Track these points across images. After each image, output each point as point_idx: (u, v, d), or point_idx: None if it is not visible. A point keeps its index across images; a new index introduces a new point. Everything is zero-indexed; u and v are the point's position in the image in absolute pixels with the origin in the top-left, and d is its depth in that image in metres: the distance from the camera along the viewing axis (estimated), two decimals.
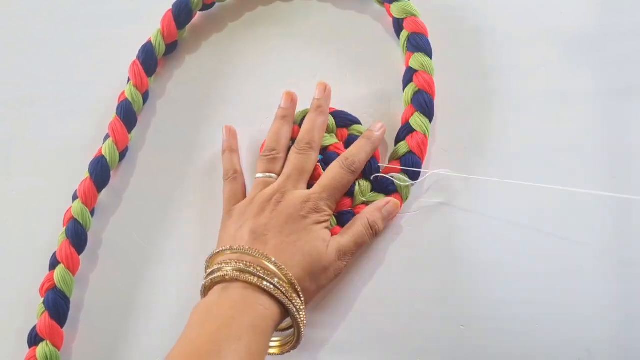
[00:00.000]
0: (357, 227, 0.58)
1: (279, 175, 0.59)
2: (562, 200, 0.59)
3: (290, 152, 0.60)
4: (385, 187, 0.60)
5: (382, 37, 0.67)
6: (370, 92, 0.65)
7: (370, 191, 0.61)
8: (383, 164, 0.62)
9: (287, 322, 0.55)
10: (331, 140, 0.62)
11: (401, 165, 0.60)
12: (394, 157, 0.61)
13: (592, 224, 0.59)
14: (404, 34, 0.63)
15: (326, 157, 0.61)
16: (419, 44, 0.62)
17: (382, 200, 0.59)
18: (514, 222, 0.59)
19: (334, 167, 0.59)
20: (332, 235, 0.57)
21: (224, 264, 0.52)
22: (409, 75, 0.62)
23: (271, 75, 0.67)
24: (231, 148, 0.63)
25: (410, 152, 0.60)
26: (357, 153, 0.59)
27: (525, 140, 0.62)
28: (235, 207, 0.59)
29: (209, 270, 0.54)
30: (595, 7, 0.66)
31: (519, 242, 0.59)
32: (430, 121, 0.61)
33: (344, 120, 0.62)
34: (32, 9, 0.74)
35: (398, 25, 0.64)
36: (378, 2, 0.66)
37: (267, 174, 0.59)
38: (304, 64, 0.67)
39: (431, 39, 0.63)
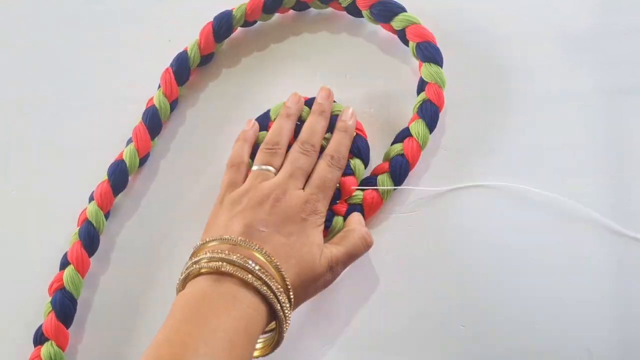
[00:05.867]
0: (352, 238, 0.56)
1: (277, 170, 0.58)
2: (560, 202, 0.60)
3: (292, 151, 0.59)
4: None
5: (383, 39, 0.67)
6: (372, 92, 0.66)
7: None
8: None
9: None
10: None
11: (390, 167, 0.61)
12: (386, 158, 0.62)
13: (591, 225, 0.59)
14: (412, 44, 0.63)
15: None
16: (426, 54, 0.62)
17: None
18: (514, 223, 0.60)
19: (322, 167, 0.58)
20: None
21: (215, 253, 0.49)
22: (421, 84, 0.63)
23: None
24: (246, 138, 0.61)
25: (401, 154, 0.61)
26: (338, 148, 0.59)
27: (526, 140, 0.63)
28: (229, 195, 0.56)
29: (196, 258, 0.50)
30: (595, 7, 0.66)
31: (518, 242, 0.59)
32: (431, 132, 0.61)
33: (356, 149, 0.62)
34: (35, 9, 0.74)
35: (403, 35, 0.64)
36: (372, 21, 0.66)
37: (266, 167, 0.58)
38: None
39: None
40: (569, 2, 0.67)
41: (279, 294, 0.49)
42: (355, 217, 0.59)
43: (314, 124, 0.60)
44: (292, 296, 0.50)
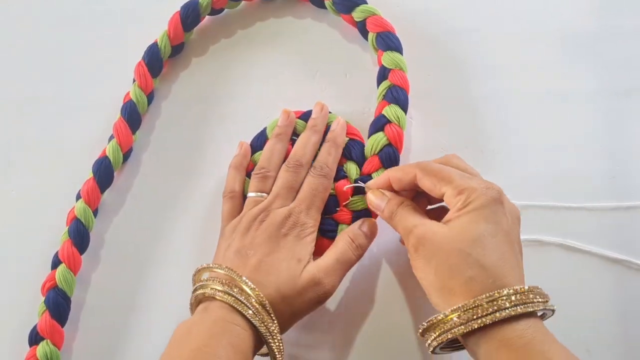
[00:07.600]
0: (338, 244, 0.57)
1: (269, 193, 0.59)
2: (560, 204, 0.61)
3: (280, 171, 0.60)
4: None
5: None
6: (370, 90, 0.65)
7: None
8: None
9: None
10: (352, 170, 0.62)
11: (381, 161, 0.60)
12: (371, 151, 0.61)
13: (592, 224, 0.60)
14: (372, 35, 0.64)
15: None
16: (388, 43, 0.63)
17: (357, 222, 0.59)
18: None
19: (307, 179, 0.59)
20: (317, 246, 0.58)
21: (208, 281, 0.52)
22: (383, 72, 0.64)
23: (277, 82, 0.67)
24: (236, 166, 0.62)
25: (387, 144, 0.61)
26: (324, 158, 0.60)
27: (526, 141, 0.63)
28: (227, 225, 0.59)
29: (193, 287, 0.54)
30: (593, 11, 0.67)
31: None
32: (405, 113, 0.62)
33: (349, 153, 0.62)
34: (35, 9, 0.74)
35: (364, 29, 0.65)
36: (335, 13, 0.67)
37: (258, 194, 0.59)
38: (307, 73, 0.68)
39: (434, 40, 0.67)
40: (568, 5, 0.68)
41: (255, 311, 0.51)
42: (355, 224, 0.59)
43: (305, 140, 0.61)
44: (270, 311, 0.51)
